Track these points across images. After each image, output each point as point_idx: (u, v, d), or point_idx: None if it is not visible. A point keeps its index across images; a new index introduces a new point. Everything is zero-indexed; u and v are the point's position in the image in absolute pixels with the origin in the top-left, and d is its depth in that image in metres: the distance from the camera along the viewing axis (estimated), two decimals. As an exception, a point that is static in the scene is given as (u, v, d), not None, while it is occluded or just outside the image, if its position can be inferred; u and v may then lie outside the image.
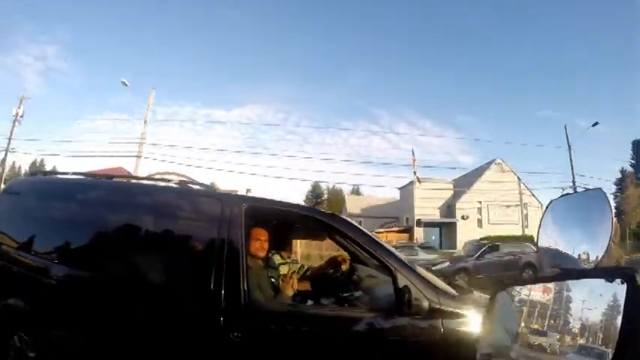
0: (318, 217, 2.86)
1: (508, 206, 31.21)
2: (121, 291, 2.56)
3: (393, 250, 2.75)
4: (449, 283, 2.85)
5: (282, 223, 3.37)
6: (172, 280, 2.59)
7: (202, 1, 62.46)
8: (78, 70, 62.63)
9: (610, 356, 0.74)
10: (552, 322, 0.95)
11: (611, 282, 0.80)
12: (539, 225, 1.08)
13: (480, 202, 31.53)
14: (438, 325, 2.27)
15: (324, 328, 2.40)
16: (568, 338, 0.88)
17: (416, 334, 2.30)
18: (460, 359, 2.17)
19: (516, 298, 1.09)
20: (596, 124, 24.88)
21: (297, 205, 3.30)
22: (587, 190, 0.93)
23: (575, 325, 0.89)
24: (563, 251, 1.01)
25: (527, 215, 30.40)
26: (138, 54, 63.48)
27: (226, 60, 64.65)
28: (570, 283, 0.91)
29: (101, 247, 2.71)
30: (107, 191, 3.02)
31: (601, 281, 0.83)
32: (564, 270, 0.92)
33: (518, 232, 27.07)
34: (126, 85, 22.20)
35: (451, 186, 33.38)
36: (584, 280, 0.88)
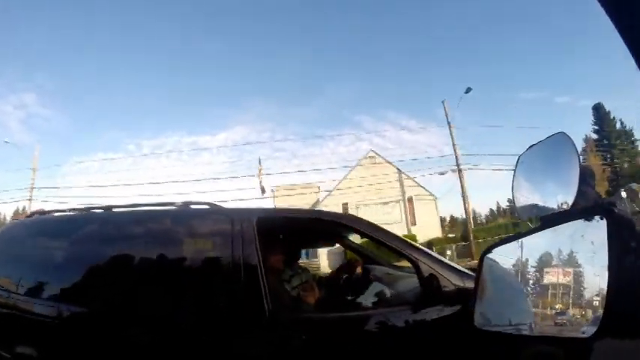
0: (329, 219, 2.84)
1: (386, 203, 27.41)
2: (136, 322, 2.46)
3: (410, 241, 2.75)
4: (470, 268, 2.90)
5: (290, 233, 3.34)
6: (190, 306, 2.48)
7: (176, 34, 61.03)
8: (60, 114, 59.84)
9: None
10: (542, 277, 0.95)
11: (591, 220, 0.81)
12: (512, 182, 1.08)
13: (347, 203, 26.80)
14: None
15: (356, 331, 2.37)
16: (563, 298, 0.88)
17: (449, 321, 2.27)
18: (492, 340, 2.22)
19: (505, 259, 1.10)
20: (469, 90, 22.66)
21: (306, 211, 3.26)
22: (549, 137, 0.93)
23: (563, 275, 0.89)
24: (540, 203, 1.02)
25: (414, 210, 27.37)
26: (116, 90, 61.34)
27: (203, 86, 63.61)
28: (552, 231, 0.91)
29: (110, 281, 2.59)
30: (110, 223, 2.89)
31: (580, 222, 0.84)
32: (543, 219, 0.92)
33: (404, 231, 23.67)
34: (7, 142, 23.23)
35: (317, 189, 29.71)
36: (565, 225, 0.88)
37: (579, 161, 0.88)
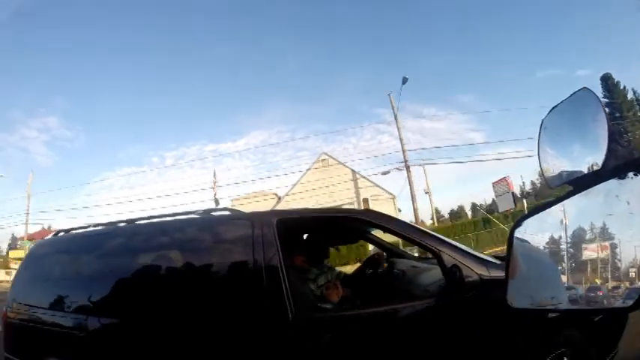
0: (353, 216, 2.87)
1: (339, 206, 26.53)
2: (166, 332, 2.52)
3: (433, 232, 2.71)
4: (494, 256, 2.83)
5: (314, 232, 3.35)
6: (216, 311, 2.53)
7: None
8: (81, 134, 63.56)
9: None
10: (578, 247, 0.89)
11: (624, 178, 0.75)
12: (538, 150, 1.02)
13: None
14: (492, 295, 2.25)
15: (381, 327, 2.36)
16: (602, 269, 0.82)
17: (476, 309, 2.26)
18: (523, 323, 2.16)
19: (536, 232, 1.03)
20: (405, 80, 22.00)
21: (328, 209, 3.26)
22: (572, 95, 0.87)
23: (600, 242, 0.83)
24: (569, 168, 0.95)
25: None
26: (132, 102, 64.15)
27: (221, 94, 65.23)
28: (584, 194, 0.85)
29: (140, 292, 2.66)
30: (132, 236, 2.97)
31: (614, 182, 0.77)
32: (573, 182, 0.86)
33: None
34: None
35: (274, 196, 29.41)
36: (598, 187, 0.82)
37: (607, 118, 0.81)
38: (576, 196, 0.86)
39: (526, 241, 1.06)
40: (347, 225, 3.22)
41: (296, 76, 63.78)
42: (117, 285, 2.69)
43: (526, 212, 1.05)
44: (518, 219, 1.05)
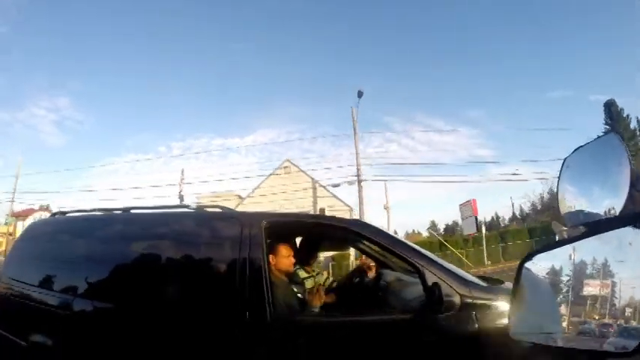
0: (338, 224, 2.83)
1: (296, 214, 27.03)
2: (146, 319, 2.59)
3: (418, 248, 2.68)
4: (479, 276, 2.79)
5: (304, 236, 3.38)
6: (199, 305, 2.58)
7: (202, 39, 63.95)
8: (91, 117, 64.84)
9: None
10: (585, 287, 0.89)
11: (639, 227, 0.75)
12: (557, 186, 1.03)
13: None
14: (473, 318, 2.22)
15: (354, 336, 2.36)
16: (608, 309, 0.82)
17: (451, 331, 2.24)
18: (498, 351, 2.11)
19: (545, 268, 1.04)
20: (360, 94, 21.27)
21: (316, 216, 3.31)
22: (598, 137, 0.87)
23: (608, 285, 0.83)
24: (586, 209, 0.96)
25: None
26: (147, 93, 65.25)
27: (231, 89, 65.82)
28: (597, 238, 0.85)
29: (125, 279, 2.74)
30: (126, 224, 3.06)
31: (629, 229, 0.78)
32: (589, 225, 0.87)
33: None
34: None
35: (238, 197, 29.45)
36: (612, 232, 0.82)
37: (630, 165, 0.81)
38: (590, 238, 0.86)
39: (534, 275, 1.06)
40: (333, 233, 3.21)
41: (309, 77, 63.77)
42: (104, 270, 2.78)
43: (538, 247, 1.05)
44: (530, 253, 1.06)
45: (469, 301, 2.25)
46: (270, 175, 29.11)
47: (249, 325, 2.36)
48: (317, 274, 3.48)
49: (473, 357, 2.21)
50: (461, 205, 25.82)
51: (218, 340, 2.42)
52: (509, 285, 2.70)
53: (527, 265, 1.07)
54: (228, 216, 2.93)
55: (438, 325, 2.24)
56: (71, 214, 3.48)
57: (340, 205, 27.33)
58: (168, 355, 2.48)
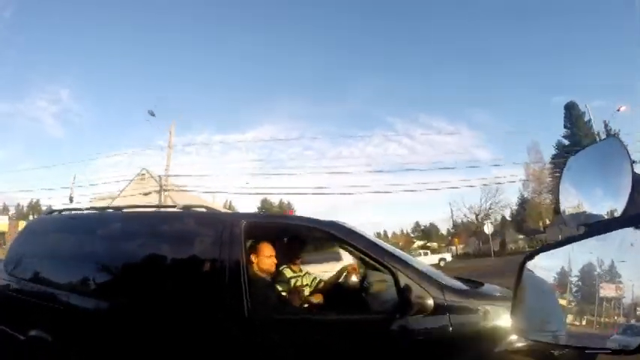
0: (315, 226, 2.88)
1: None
2: (133, 315, 2.71)
3: (395, 251, 2.74)
4: (461, 279, 2.83)
5: (288, 236, 3.45)
6: (180, 301, 2.66)
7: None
8: (92, 109, 64.55)
9: None
10: (586, 287, 0.91)
11: (640, 228, 0.77)
12: (559, 188, 1.05)
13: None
14: (446, 321, 2.23)
15: (329, 335, 2.42)
16: (609, 309, 0.84)
17: (423, 333, 2.26)
18: (473, 355, 2.14)
19: (546, 266, 1.06)
20: (152, 112, 22.65)
21: (296, 217, 3.38)
22: (601, 141, 0.90)
23: (610, 285, 0.85)
24: (588, 210, 0.98)
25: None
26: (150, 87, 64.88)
27: (235, 85, 65.69)
28: (598, 239, 0.88)
29: (112, 276, 2.87)
30: (116, 222, 3.18)
31: (630, 230, 0.80)
32: (590, 226, 0.89)
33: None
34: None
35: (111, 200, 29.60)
36: (613, 233, 0.84)
37: (632, 168, 0.84)
38: (591, 238, 0.89)
39: (534, 275, 1.09)
40: (311, 235, 3.29)
41: (312, 76, 63.89)
42: (96, 266, 2.90)
43: (540, 247, 1.08)
44: (532, 252, 1.08)
45: (442, 303, 2.25)
46: (132, 180, 30.58)
47: (227, 321, 2.45)
48: (304, 275, 3.53)
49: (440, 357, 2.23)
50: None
51: (197, 335, 2.50)
52: (489, 287, 2.74)
53: (529, 264, 1.10)
54: (210, 216, 3.04)
55: (409, 327, 2.26)
56: (66, 213, 3.64)
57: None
58: (155, 348, 2.59)
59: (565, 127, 46.54)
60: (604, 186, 0.94)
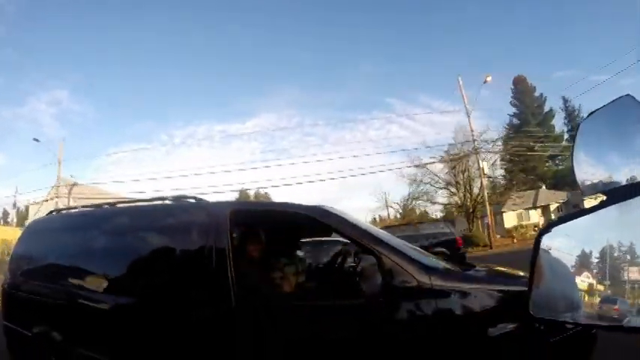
0: (299, 212, 2.84)
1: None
2: (133, 306, 2.80)
3: (381, 234, 2.69)
4: (455, 259, 2.77)
5: (279, 223, 3.43)
6: (170, 291, 2.73)
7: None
8: (91, 108, 65.44)
9: None
10: (608, 260, 0.85)
11: (664, 193, 0.71)
12: (572, 155, 0.98)
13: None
14: (431, 304, 2.17)
15: (316, 321, 2.41)
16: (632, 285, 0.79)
17: (408, 317, 2.21)
18: (461, 340, 2.10)
19: (564, 240, 1.00)
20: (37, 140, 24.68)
21: (281, 204, 3.32)
22: (613, 101, 0.82)
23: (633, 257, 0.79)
24: (605, 176, 0.91)
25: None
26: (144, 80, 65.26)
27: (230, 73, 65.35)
28: (619, 206, 0.81)
29: (111, 270, 2.99)
30: (111, 217, 3.31)
31: (652, 195, 0.74)
32: (609, 193, 0.82)
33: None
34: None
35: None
36: (635, 199, 0.78)
37: (650, 126, 0.77)
38: (611, 207, 0.82)
39: (550, 253, 1.02)
40: (297, 221, 3.24)
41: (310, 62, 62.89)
42: (96, 262, 3.05)
43: (556, 219, 1.01)
44: (547, 224, 1.02)
45: (429, 287, 2.19)
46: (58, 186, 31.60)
47: (215, 308, 2.49)
48: (299, 261, 3.54)
49: (430, 344, 2.16)
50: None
51: (186, 322, 2.57)
52: (480, 270, 2.68)
53: (545, 238, 1.03)
54: (197, 206, 3.05)
55: (392, 310, 2.23)
56: (66, 211, 3.85)
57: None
58: (150, 338, 2.69)
59: (511, 103, 43.81)
60: (620, 149, 0.87)
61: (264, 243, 3.16)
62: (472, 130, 22.04)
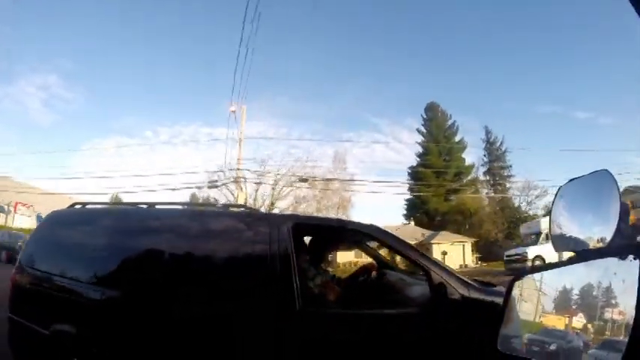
0: (358, 229, 3.11)
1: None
2: (193, 311, 2.74)
3: (424, 253, 3.01)
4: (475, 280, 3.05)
5: (320, 236, 3.55)
6: (232, 297, 2.76)
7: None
8: (79, 97, 63.28)
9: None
10: (571, 308, 0.96)
11: (624, 259, 0.82)
12: (550, 212, 1.10)
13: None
14: (471, 314, 2.49)
15: (372, 327, 2.64)
16: (590, 328, 0.89)
17: (457, 323, 2.51)
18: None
19: (533, 287, 1.11)
20: None
21: (339, 220, 3.70)
22: (592, 172, 0.95)
23: (592, 308, 0.90)
24: (576, 236, 1.03)
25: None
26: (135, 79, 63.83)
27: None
28: (585, 265, 0.93)
29: (144, 269, 2.89)
30: (151, 218, 3.19)
31: (614, 260, 0.84)
32: (578, 253, 0.94)
33: None
34: None
35: None
36: (599, 261, 0.89)
37: (620, 200, 0.88)
38: (578, 264, 0.94)
39: (522, 293, 1.14)
40: (352, 236, 3.54)
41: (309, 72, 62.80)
42: (123, 261, 2.89)
43: (528, 269, 1.12)
44: (521, 272, 1.13)
45: (469, 298, 2.53)
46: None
47: (281, 314, 2.59)
48: (324, 272, 3.68)
49: (471, 347, 2.36)
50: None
51: (250, 327, 2.62)
52: (500, 288, 2.88)
53: (517, 283, 1.15)
54: (257, 216, 3.23)
55: (442, 318, 2.54)
56: (91, 206, 3.52)
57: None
58: (198, 341, 2.62)
59: (419, 132, 42.01)
60: (593, 214, 0.98)
61: (325, 254, 3.38)
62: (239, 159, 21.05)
